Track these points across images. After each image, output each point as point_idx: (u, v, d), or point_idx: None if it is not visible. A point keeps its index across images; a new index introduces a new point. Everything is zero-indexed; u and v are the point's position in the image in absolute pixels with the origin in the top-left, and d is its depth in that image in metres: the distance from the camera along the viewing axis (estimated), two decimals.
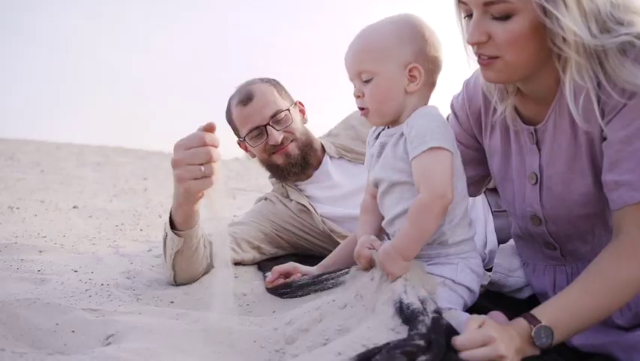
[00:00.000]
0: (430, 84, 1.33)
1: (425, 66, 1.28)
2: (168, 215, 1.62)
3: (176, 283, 1.72)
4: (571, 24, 1.08)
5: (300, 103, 2.25)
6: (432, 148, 1.20)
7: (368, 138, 1.43)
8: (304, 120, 2.25)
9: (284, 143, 2.09)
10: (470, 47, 1.22)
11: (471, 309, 1.30)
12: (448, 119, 1.56)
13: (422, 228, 1.21)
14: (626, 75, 1.11)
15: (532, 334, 1.07)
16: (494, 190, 1.98)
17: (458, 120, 1.52)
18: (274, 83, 2.17)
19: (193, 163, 1.38)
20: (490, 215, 2.07)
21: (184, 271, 1.70)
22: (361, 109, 1.33)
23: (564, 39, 1.10)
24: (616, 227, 1.19)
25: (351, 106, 1.38)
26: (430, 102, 1.35)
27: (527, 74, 1.21)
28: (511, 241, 1.65)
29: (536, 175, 1.34)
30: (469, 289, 1.28)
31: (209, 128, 1.40)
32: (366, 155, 1.43)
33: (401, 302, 1.11)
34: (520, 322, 1.09)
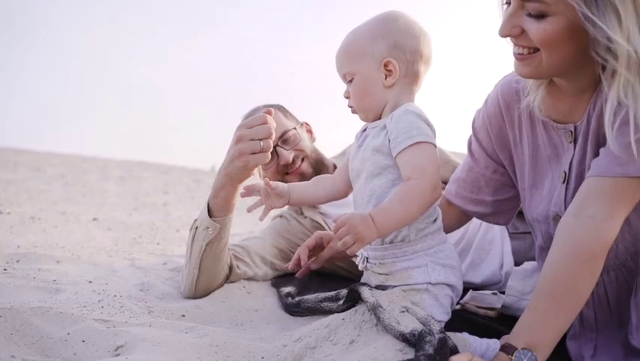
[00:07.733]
0: (412, 75, 1.34)
1: (401, 58, 1.30)
2: (205, 206, 1.68)
3: (195, 289, 1.73)
4: (622, 39, 1.01)
5: (306, 123, 2.28)
6: (419, 142, 1.22)
7: (357, 131, 1.46)
8: (312, 139, 2.28)
9: (295, 162, 2.11)
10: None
11: (484, 332, 1.27)
12: (470, 144, 1.56)
13: (408, 209, 1.19)
14: None
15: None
16: None
17: (479, 141, 1.51)
18: (278, 107, 2.21)
19: (255, 138, 1.52)
20: (507, 237, 2.04)
21: (208, 271, 1.72)
22: (350, 107, 1.39)
23: (609, 49, 1.04)
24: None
25: None
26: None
27: (564, 73, 1.18)
28: (526, 265, 1.61)
29: (565, 173, 1.29)
30: (448, 285, 1.27)
31: (269, 112, 1.55)
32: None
33: (402, 334, 1.09)
34: (501, 356, 1.07)
